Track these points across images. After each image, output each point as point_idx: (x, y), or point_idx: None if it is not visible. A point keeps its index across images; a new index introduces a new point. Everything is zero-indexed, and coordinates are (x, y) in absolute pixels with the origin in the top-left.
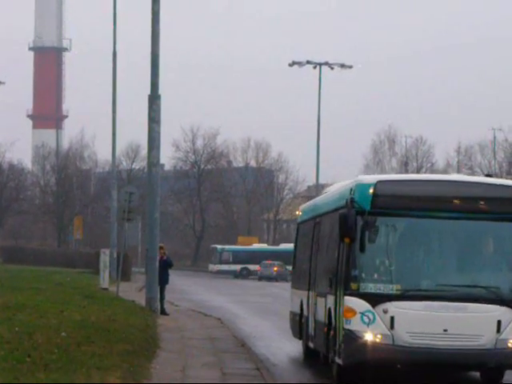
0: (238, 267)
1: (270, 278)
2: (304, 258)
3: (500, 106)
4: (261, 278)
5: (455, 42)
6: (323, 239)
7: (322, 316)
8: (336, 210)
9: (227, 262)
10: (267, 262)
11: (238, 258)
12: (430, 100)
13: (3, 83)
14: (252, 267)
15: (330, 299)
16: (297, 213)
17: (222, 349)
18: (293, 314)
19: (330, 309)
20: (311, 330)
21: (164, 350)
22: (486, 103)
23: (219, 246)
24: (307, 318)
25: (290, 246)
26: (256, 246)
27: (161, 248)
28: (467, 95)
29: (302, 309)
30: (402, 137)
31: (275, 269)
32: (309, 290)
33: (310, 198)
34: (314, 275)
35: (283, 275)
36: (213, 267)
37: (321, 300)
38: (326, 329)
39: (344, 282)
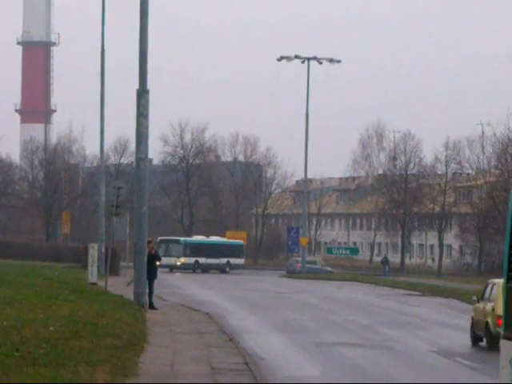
0: (192, 260)
1: (294, 272)
2: None
3: (488, 101)
4: (289, 272)
5: (444, 36)
6: None
7: None
8: None
9: (188, 255)
10: (293, 258)
11: (192, 251)
12: (418, 94)
13: None
14: (201, 260)
15: None
16: None
17: (211, 343)
18: None
19: None
20: None
21: (152, 345)
22: (475, 98)
23: (181, 238)
24: None
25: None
26: (197, 237)
27: (149, 242)
28: (455, 90)
29: None
30: (390, 131)
31: (298, 265)
32: None
33: (298, 192)
34: None
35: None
36: (173, 260)
37: None
38: None
39: None
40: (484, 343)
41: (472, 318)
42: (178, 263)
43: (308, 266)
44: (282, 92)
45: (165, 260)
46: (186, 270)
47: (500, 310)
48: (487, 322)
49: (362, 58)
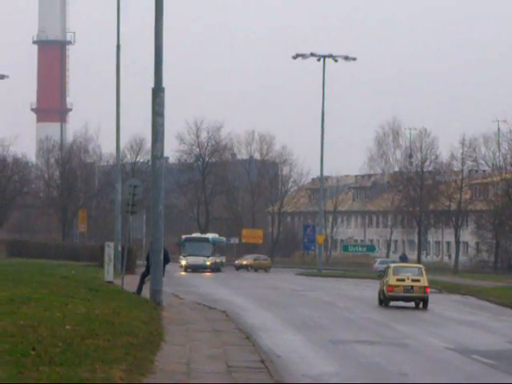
0: (215, 260)
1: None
2: None
3: (504, 98)
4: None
5: (459, 34)
6: None
7: None
8: None
9: (214, 254)
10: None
11: (216, 249)
12: (434, 92)
13: (7, 77)
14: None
15: None
16: None
17: (227, 341)
18: None
19: None
20: None
21: (168, 343)
22: (491, 95)
23: (209, 236)
24: None
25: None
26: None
27: None
28: (471, 87)
29: None
30: (406, 129)
31: (375, 265)
32: None
33: (314, 190)
34: None
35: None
36: (201, 260)
37: None
38: None
39: None
40: (384, 304)
41: (379, 289)
42: (208, 263)
43: (385, 266)
44: (297, 90)
45: (191, 260)
46: (213, 271)
47: (390, 282)
48: (383, 290)
49: (378, 56)
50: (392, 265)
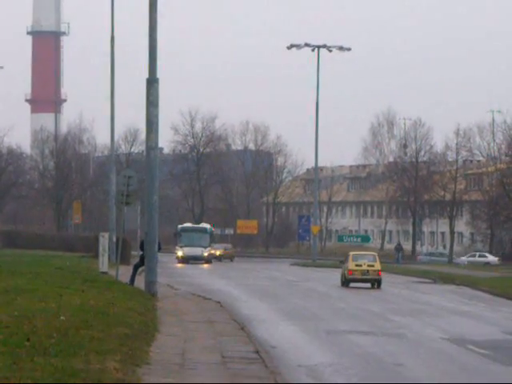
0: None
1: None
2: None
3: (499, 88)
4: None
5: (454, 23)
6: None
7: None
8: None
9: (210, 245)
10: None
11: (212, 240)
12: (428, 82)
13: (1, 67)
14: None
15: None
16: None
17: (222, 332)
18: None
19: None
20: None
21: (163, 334)
22: (485, 85)
23: (207, 226)
24: None
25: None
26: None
27: None
28: (466, 77)
29: None
30: (400, 119)
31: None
32: None
33: (309, 180)
34: None
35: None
36: (199, 251)
37: None
38: None
39: None
40: (345, 285)
41: (341, 273)
42: (205, 254)
43: (430, 258)
44: (292, 80)
45: (187, 250)
46: (207, 262)
47: (350, 267)
48: (345, 274)
49: (372, 46)
50: (351, 253)
